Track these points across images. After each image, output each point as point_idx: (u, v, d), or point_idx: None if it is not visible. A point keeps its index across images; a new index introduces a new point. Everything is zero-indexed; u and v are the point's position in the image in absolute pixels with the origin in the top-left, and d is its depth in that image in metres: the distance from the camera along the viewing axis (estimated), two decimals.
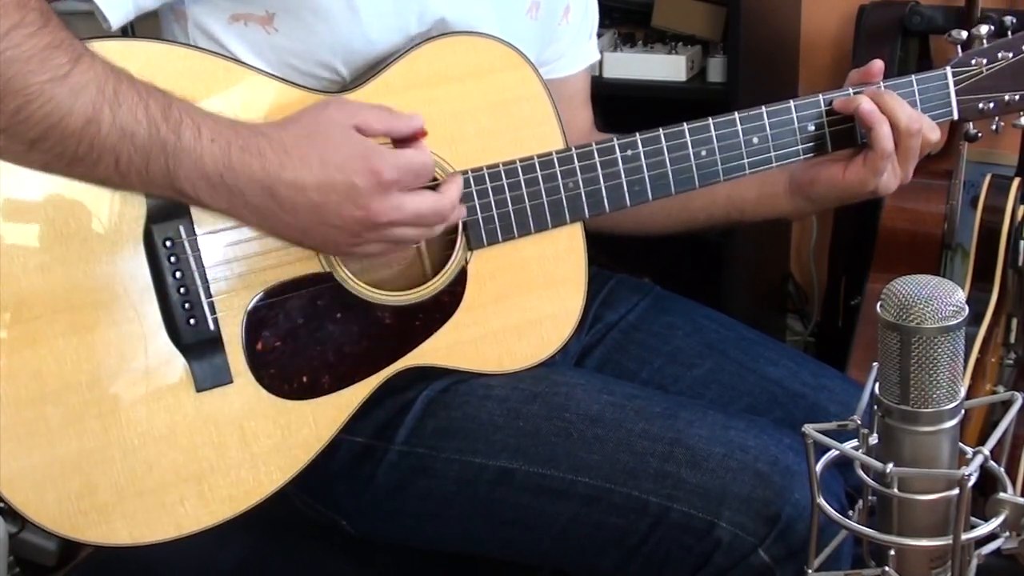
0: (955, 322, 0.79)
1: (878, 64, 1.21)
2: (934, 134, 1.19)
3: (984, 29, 1.23)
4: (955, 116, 1.25)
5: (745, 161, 1.19)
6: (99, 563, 1.36)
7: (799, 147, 1.20)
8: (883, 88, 1.20)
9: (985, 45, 1.24)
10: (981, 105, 1.25)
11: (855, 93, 1.19)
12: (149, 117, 0.94)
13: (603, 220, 1.22)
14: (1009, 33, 1.24)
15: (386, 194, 1.01)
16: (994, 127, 1.27)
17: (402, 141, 1.05)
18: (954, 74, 1.24)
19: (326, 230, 1.01)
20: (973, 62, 1.24)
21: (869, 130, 1.16)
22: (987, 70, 1.24)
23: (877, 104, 1.17)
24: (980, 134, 1.31)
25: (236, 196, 0.97)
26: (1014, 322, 1.96)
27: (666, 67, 2.10)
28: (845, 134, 1.21)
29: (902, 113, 1.16)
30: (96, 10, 1.01)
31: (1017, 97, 1.25)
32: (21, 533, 1.79)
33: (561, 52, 1.34)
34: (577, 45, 1.37)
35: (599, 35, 1.43)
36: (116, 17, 1.02)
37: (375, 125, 1.03)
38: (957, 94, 1.24)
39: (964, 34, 1.24)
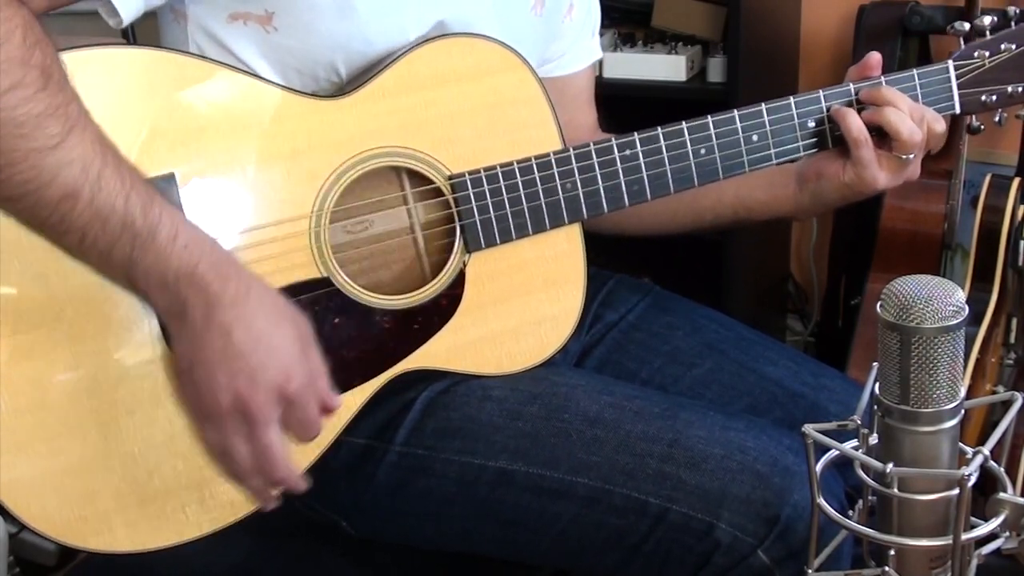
0: (955, 322, 0.78)
1: (875, 57, 1.21)
2: (939, 125, 1.20)
3: (987, 21, 1.23)
4: (957, 109, 1.24)
5: (745, 159, 1.19)
6: (99, 563, 1.35)
7: (799, 143, 1.20)
8: (884, 83, 1.19)
9: (988, 37, 1.24)
10: (984, 98, 1.24)
11: (856, 90, 1.20)
12: (128, 209, 0.93)
13: (608, 221, 1.22)
14: (1012, 24, 1.24)
15: (275, 402, 0.98)
16: (997, 119, 1.27)
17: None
18: (956, 67, 1.23)
19: (208, 377, 0.97)
20: (976, 55, 1.24)
21: (884, 128, 1.17)
22: (990, 62, 1.24)
23: (875, 99, 1.17)
24: (983, 127, 1.30)
25: (178, 303, 0.96)
26: (1014, 322, 1.95)
27: (666, 67, 2.10)
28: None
29: (903, 106, 1.17)
30: (106, 6, 1.01)
31: (1020, 89, 1.25)
32: (21, 533, 1.79)
33: (564, 50, 1.35)
34: (580, 43, 1.37)
35: (599, 28, 1.43)
36: (127, 12, 1.02)
37: (318, 366, 1.01)
38: (959, 87, 1.23)
39: (967, 26, 1.24)
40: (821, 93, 1.20)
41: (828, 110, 1.20)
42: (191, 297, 0.95)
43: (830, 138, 1.21)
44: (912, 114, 1.17)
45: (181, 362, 0.99)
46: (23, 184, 0.90)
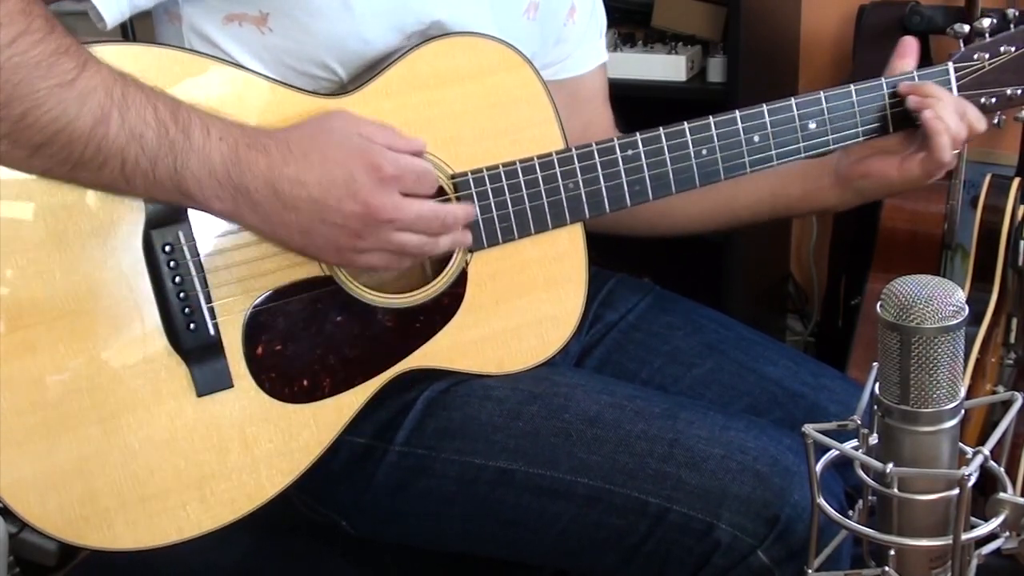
0: (955, 322, 0.79)
1: (910, 41, 1.22)
2: (981, 124, 1.20)
3: (986, 23, 1.23)
4: None
5: (746, 160, 1.19)
6: (99, 563, 1.36)
7: (800, 145, 1.20)
8: (917, 77, 1.20)
9: (987, 39, 1.24)
10: (983, 100, 1.24)
11: (855, 87, 1.20)
12: (158, 119, 0.94)
13: (642, 222, 1.22)
14: (1012, 26, 1.24)
15: (386, 190, 1.01)
16: (996, 121, 1.27)
17: None
18: (956, 69, 1.24)
19: (327, 229, 1.01)
20: (975, 56, 1.24)
21: (930, 138, 1.16)
22: (989, 64, 1.24)
23: (919, 94, 1.18)
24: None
25: (241, 194, 0.98)
26: (1014, 322, 1.95)
27: (666, 67, 2.10)
28: (851, 136, 1.21)
29: (949, 105, 1.17)
30: (91, 9, 1.01)
31: (1020, 91, 1.25)
32: (21, 533, 1.79)
33: (568, 52, 1.34)
34: (585, 45, 1.37)
35: (605, 30, 1.43)
36: (112, 16, 1.02)
37: (377, 137, 1.03)
38: (959, 89, 1.24)
39: (966, 28, 1.24)
40: (822, 94, 1.20)
41: (829, 111, 1.20)
42: (248, 181, 0.97)
43: (832, 141, 1.20)
44: (958, 107, 1.17)
45: (294, 241, 1.01)
46: (53, 122, 0.91)
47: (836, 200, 1.28)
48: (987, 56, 1.23)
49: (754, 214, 1.32)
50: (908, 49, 1.22)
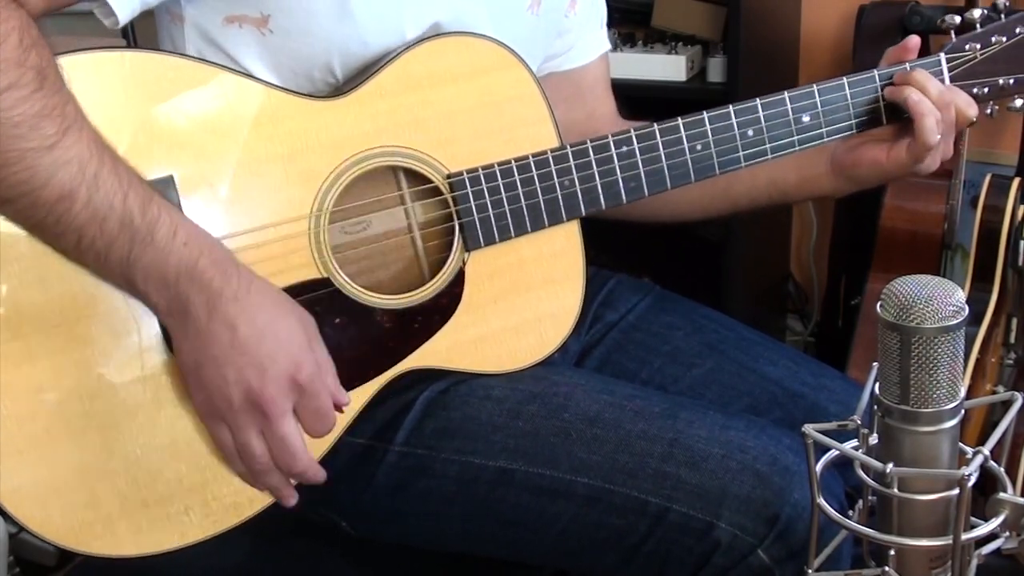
0: (955, 322, 0.78)
1: (914, 40, 1.21)
2: (971, 109, 1.20)
3: (977, 14, 1.23)
4: None
5: (740, 154, 1.19)
6: (99, 564, 1.36)
7: (795, 138, 1.20)
8: (909, 68, 1.20)
9: (979, 30, 1.24)
10: (976, 90, 1.24)
11: (848, 80, 1.19)
12: (126, 208, 0.93)
13: (640, 209, 1.21)
14: (1003, 17, 1.24)
15: (288, 391, 0.98)
16: (989, 111, 1.27)
17: None
18: (948, 60, 1.24)
19: (216, 377, 0.97)
20: (967, 47, 1.24)
21: (915, 120, 1.16)
22: (981, 55, 1.24)
23: (906, 81, 1.18)
24: (975, 120, 1.31)
25: (179, 301, 0.96)
26: (1014, 322, 1.95)
27: (666, 67, 2.10)
28: (845, 129, 1.21)
29: (932, 87, 1.17)
30: (103, 7, 1.00)
31: (1012, 81, 1.25)
32: (21, 533, 1.79)
33: (571, 43, 1.35)
34: (587, 35, 1.37)
35: (606, 19, 1.43)
36: (124, 13, 1.02)
37: (321, 358, 1.01)
38: (952, 80, 1.24)
39: (958, 19, 1.24)
40: (815, 87, 1.20)
41: (823, 104, 1.20)
42: (193, 294, 0.95)
43: (826, 133, 1.21)
44: (942, 97, 1.17)
45: (186, 362, 0.98)
46: (19, 185, 0.90)
47: (831, 187, 1.28)
48: (978, 46, 1.24)
49: (752, 200, 1.32)
50: (910, 45, 1.22)
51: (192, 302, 0.95)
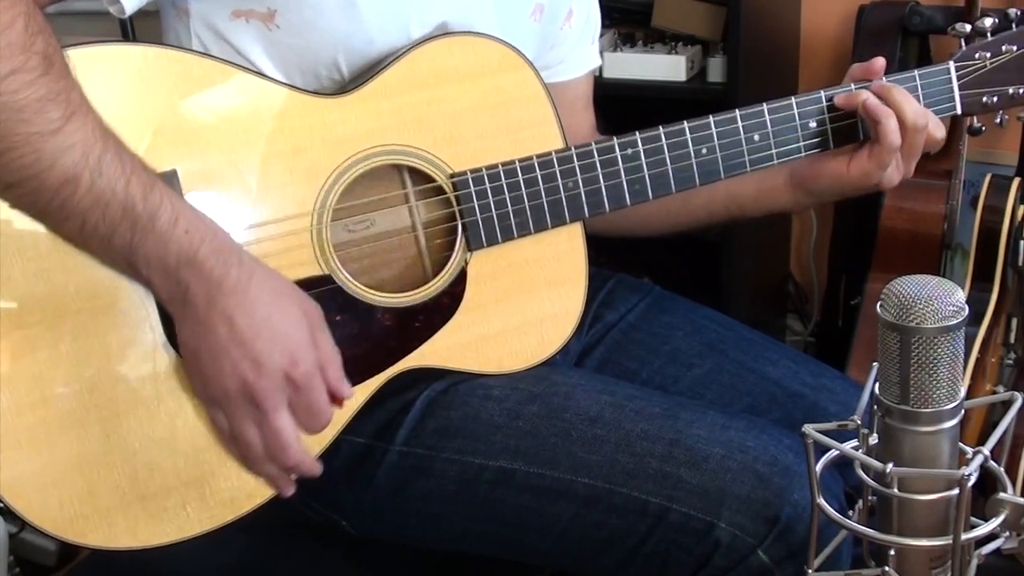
0: (955, 322, 0.78)
1: (880, 61, 1.21)
2: (940, 131, 1.19)
3: (988, 22, 1.23)
4: (958, 111, 1.24)
5: (746, 159, 1.19)
6: (99, 563, 1.36)
7: (800, 144, 1.20)
8: (886, 82, 1.19)
9: (989, 39, 1.24)
10: (985, 99, 1.24)
11: (857, 88, 1.19)
12: (128, 193, 0.93)
13: (602, 222, 1.21)
14: (1013, 26, 1.24)
15: (282, 386, 0.98)
16: (998, 120, 1.27)
17: None
18: (957, 68, 1.23)
19: (213, 367, 0.97)
20: (977, 56, 1.23)
21: (876, 124, 1.16)
22: (991, 64, 1.23)
23: (883, 98, 1.17)
24: (984, 128, 1.30)
25: (180, 289, 0.96)
26: (1014, 322, 1.96)
27: (666, 67, 2.10)
28: (847, 130, 1.21)
29: (908, 108, 1.16)
30: None
31: (1021, 90, 1.24)
32: (21, 533, 1.79)
33: (562, 57, 1.34)
34: (579, 50, 1.36)
35: (599, 35, 1.43)
36: (130, 4, 1.02)
37: (324, 348, 1.01)
38: (960, 88, 1.23)
39: (968, 27, 1.23)
40: (823, 93, 1.20)
41: (830, 110, 1.20)
42: (193, 283, 0.95)
43: (831, 138, 1.20)
44: (917, 120, 1.16)
45: (186, 348, 0.99)
46: (23, 169, 0.90)
47: (790, 202, 1.27)
48: (988, 55, 1.23)
49: (710, 214, 1.31)
50: (876, 67, 1.20)
51: (192, 290, 0.96)
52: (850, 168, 1.19)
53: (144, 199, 0.93)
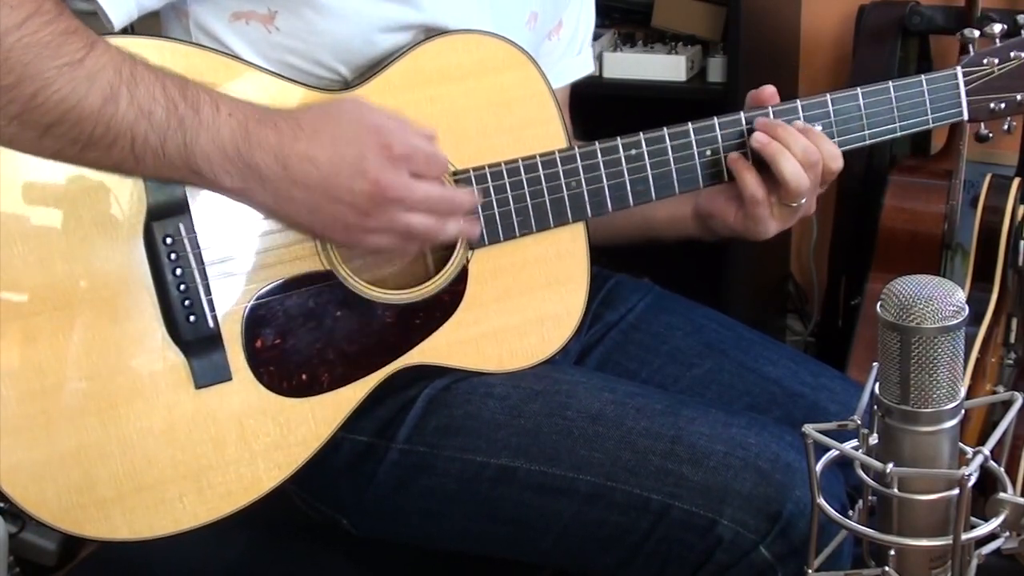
0: (955, 322, 0.78)
1: (769, 90, 1.18)
2: (835, 163, 1.16)
3: (997, 28, 1.22)
4: (965, 116, 1.23)
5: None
6: (99, 563, 1.36)
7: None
8: (772, 114, 1.16)
9: (997, 44, 1.23)
10: (992, 105, 1.23)
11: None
12: (167, 95, 0.94)
13: None
14: (1022, 32, 1.23)
15: (396, 169, 1.01)
16: (1006, 127, 1.26)
17: None
18: (964, 74, 1.22)
19: (335, 208, 1.00)
20: (985, 61, 1.22)
21: (772, 164, 1.13)
22: (999, 70, 1.22)
23: (770, 134, 1.14)
24: (991, 135, 1.29)
25: (251, 170, 0.98)
26: (1014, 322, 1.96)
27: (666, 67, 2.10)
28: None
29: (797, 146, 1.13)
30: (99, 10, 1.01)
31: None
32: (21, 533, 1.79)
33: (546, 67, 1.32)
34: (563, 62, 1.36)
35: (598, 35, 1.42)
36: (119, 18, 1.02)
37: (388, 118, 1.04)
38: (967, 94, 1.22)
39: (976, 32, 1.23)
40: (828, 97, 1.18)
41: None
42: (258, 157, 0.97)
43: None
44: (807, 156, 1.13)
45: (294, 221, 1.01)
46: (62, 101, 0.91)
47: (695, 231, 1.25)
48: (996, 61, 1.22)
49: (629, 238, 1.30)
50: (765, 95, 1.18)
51: (261, 164, 0.97)
52: (736, 217, 1.18)
53: (183, 96, 0.95)
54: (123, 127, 0.93)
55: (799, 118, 1.17)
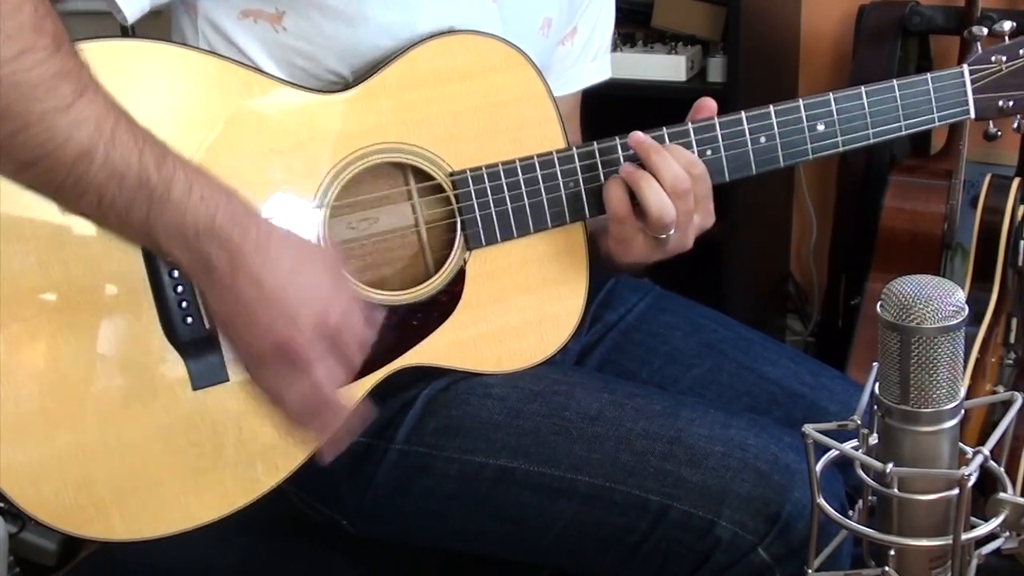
0: (955, 322, 0.78)
1: (709, 102, 1.17)
2: (705, 183, 1.15)
3: (1007, 26, 1.21)
4: (972, 114, 1.23)
5: (752, 160, 1.18)
6: (99, 563, 1.36)
7: (808, 146, 1.18)
8: (646, 140, 1.14)
9: (1007, 42, 1.22)
10: (1000, 103, 1.23)
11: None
12: (142, 164, 0.92)
13: None
14: None
15: (318, 338, 0.97)
16: (1016, 125, 1.25)
17: None
18: (971, 72, 1.22)
19: (251, 333, 0.96)
20: (992, 59, 1.22)
21: (636, 192, 1.12)
22: (1007, 68, 1.22)
23: (646, 161, 1.12)
24: (1000, 132, 1.28)
25: (202, 258, 0.95)
26: (1014, 322, 1.96)
27: (666, 67, 2.10)
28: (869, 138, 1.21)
29: (668, 172, 1.11)
30: (112, 5, 1.01)
31: None
32: (21, 533, 1.79)
33: (558, 73, 1.32)
34: (575, 66, 1.35)
35: (608, 48, 1.41)
36: (132, 12, 1.03)
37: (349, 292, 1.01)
38: (974, 92, 1.22)
39: (984, 31, 1.22)
40: (831, 96, 1.18)
41: (837, 112, 1.17)
42: (214, 251, 0.94)
43: (840, 140, 1.18)
44: (676, 185, 1.11)
45: (217, 317, 0.98)
46: (39, 147, 0.90)
47: (604, 252, 1.22)
48: (1004, 59, 1.21)
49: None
50: (703, 106, 1.18)
51: (214, 258, 0.95)
52: (614, 238, 1.16)
53: (158, 169, 0.93)
54: (92, 185, 0.91)
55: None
